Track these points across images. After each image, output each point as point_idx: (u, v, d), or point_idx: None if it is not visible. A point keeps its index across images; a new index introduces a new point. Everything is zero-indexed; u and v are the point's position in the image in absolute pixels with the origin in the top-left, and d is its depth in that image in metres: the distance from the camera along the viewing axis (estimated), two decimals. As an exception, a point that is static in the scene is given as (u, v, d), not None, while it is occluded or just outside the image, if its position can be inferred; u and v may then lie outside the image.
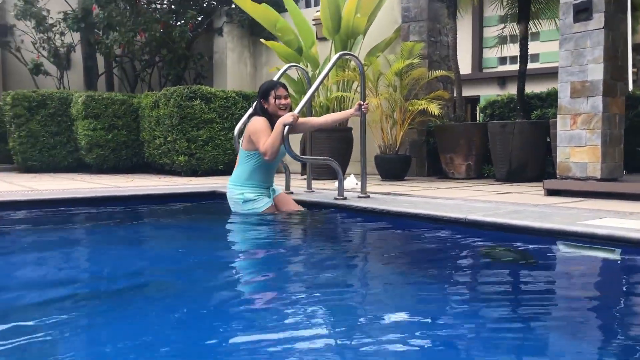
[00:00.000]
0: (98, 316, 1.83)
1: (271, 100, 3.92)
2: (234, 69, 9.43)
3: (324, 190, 5.04)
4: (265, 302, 2.02)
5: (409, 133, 7.52)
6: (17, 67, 10.92)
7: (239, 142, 4.15)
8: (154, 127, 8.32)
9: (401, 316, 1.86)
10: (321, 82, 4.16)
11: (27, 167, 8.87)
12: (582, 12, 4.42)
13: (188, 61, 9.46)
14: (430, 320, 1.79)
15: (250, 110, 4.28)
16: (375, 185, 5.91)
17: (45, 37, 10.06)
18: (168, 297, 2.08)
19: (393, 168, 6.85)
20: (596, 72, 4.40)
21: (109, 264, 2.74)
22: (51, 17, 9.96)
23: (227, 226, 3.88)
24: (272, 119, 3.90)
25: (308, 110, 5.43)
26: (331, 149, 6.87)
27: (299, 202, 4.48)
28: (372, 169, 7.31)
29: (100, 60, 10.40)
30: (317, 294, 2.10)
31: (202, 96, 7.95)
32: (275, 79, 4.79)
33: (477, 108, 7.60)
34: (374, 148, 7.21)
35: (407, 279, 2.43)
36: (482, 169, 6.89)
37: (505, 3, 7.68)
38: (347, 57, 5.07)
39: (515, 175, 6.21)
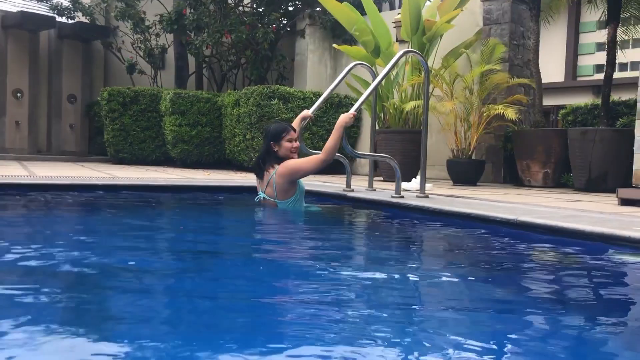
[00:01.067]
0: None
1: (285, 144, 3.79)
2: (314, 70, 9.59)
3: (386, 190, 5.02)
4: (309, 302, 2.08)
5: (486, 138, 7.32)
6: (118, 65, 11.72)
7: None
8: (235, 125, 8.63)
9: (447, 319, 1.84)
10: (384, 76, 4.16)
11: (119, 159, 9.50)
12: (668, 11, 4.12)
13: (271, 62, 9.74)
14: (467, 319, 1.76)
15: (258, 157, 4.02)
16: (444, 189, 5.81)
17: (142, 38, 10.72)
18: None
19: (465, 172, 6.69)
20: (680, 75, 4.09)
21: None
22: (148, 19, 10.61)
23: (248, 220, 3.91)
24: (279, 162, 3.80)
25: (374, 110, 5.44)
26: (403, 151, 6.82)
27: (356, 199, 4.52)
28: (445, 173, 7.19)
29: (191, 60, 10.93)
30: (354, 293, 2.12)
31: (280, 96, 8.17)
32: (341, 76, 4.86)
33: (559, 114, 7.25)
34: (447, 152, 7.09)
35: (444, 278, 2.39)
36: (561, 178, 6.57)
37: (598, 5, 7.30)
38: (413, 55, 5.02)
39: (594, 184, 5.88)
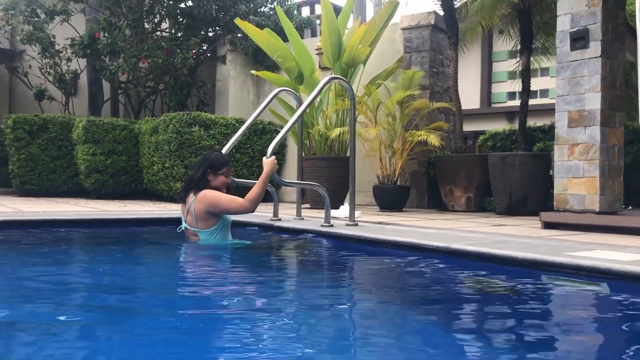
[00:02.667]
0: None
1: (221, 177, 3.70)
2: (236, 96, 9.40)
3: (314, 218, 4.89)
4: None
5: (410, 164, 7.39)
6: (24, 91, 11.01)
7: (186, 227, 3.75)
8: (153, 153, 8.27)
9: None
10: (308, 106, 4.06)
11: (26, 191, 8.83)
12: (579, 40, 4.30)
13: (191, 88, 9.46)
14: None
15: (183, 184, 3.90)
16: (371, 215, 5.75)
17: (51, 63, 10.14)
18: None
19: (391, 198, 6.69)
20: (594, 101, 4.26)
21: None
22: (58, 43, 10.06)
23: (181, 255, 3.68)
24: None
25: (299, 139, 5.33)
26: (330, 177, 6.74)
27: (284, 229, 4.35)
28: (371, 199, 7.16)
29: (106, 86, 10.44)
30: (281, 320, 1.94)
31: (201, 122, 7.90)
32: (265, 102, 4.72)
33: (478, 140, 7.46)
34: (372, 178, 7.08)
35: (376, 308, 2.26)
36: (483, 202, 6.71)
37: (512, 36, 7.61)
38: (338, 81, 4.97)
39: (515, 208, 6.02)
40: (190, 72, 9.08)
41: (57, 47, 10.06)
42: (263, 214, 5.37)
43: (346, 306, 2.30)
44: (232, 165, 8.10)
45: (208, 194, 3.61)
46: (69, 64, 10.33)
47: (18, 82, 11.13)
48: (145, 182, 8.73)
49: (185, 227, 3.73)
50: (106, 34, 9.19)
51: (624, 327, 1.99)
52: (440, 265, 3.04)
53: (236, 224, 4.56)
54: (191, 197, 3.66)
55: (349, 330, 1.93)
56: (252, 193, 3.56)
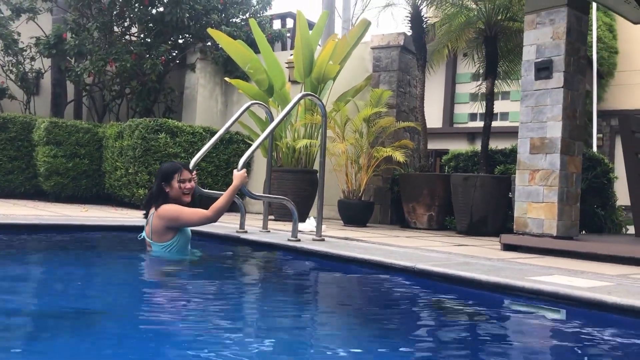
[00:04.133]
0: None
1: (175, 184, 3.60)
2: (204, 105, 9.36)
3: (280, 231, 4.91)
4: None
5: (374, 180, 7.50)
6: (-17, 89, 10.68)
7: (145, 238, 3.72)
8: (117, 158, 8.15)
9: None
10: (280, 120, 4.11)
11: (-19, 191, 8.56)
12: (543, 70, 4.49)
13: (158, 94, 9.37)
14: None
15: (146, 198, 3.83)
16: (336, 230, 5.81)
17: (14, 61, 9.89)
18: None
19: (355, 214, 6.77)
20: (555, 130, 4.44)
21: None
22: (22, 42, 9.83)
23: (146, 267, 3.65)
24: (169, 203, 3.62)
25: (269, 152, 5.36)
26: (296, 190, 6.78)
27: (250, 242, 4.36)
28: (335, 213, 7.24)
29: (70, 88, 10.24)
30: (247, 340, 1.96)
31: (168, 130, 7.84)
32: (236, 115, 4.74)
33: (441, 160, 7.63)
34: (337, 192, 7.15)
35: (342, 326, 2.30)
36: (445, 221, 6.86)
37: (476, 61, 7.84)
38: (311, 98, 5.03)
39: (476, 228, 6.18)
40: (158, 78, 9.00)
41: (20, 45, 9.82)
42: (229, 224, 5.37)
43: (302, 322, 2.34)
44: (197, 174, 8.07)
45: (168, 209, 3.55)
46: (32, 62, 10.09)
47: (-24, 79, 10.80)
48: (107, 186, 8.58)
49: (144, 237, 3.72)
50: (74, 35, 9.03)
51: (579, 353, 2.08)
52: (406, 284, 3.11)
53: (201, 234, 4.56)
54: (152, 210, 3.63)
55: (303, 347, 1.97)
56: (218, 204, 3.56)
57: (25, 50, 9.85)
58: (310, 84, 7.15)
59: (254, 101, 5.08)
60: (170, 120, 8.05)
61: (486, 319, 2.52)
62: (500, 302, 2.73)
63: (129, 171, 7.86)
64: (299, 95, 4.35)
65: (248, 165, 8.83)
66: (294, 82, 7.93)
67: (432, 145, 10.81)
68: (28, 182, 8.83)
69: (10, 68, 9.95)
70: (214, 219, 3.56)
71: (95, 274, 3.35)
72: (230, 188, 3.67)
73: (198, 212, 3.57)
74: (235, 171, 3.78)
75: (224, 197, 3.61)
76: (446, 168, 7.34)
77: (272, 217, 7.13)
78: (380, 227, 6.93)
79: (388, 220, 7.70)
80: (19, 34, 9.75)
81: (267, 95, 7.34)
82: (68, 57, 9.40)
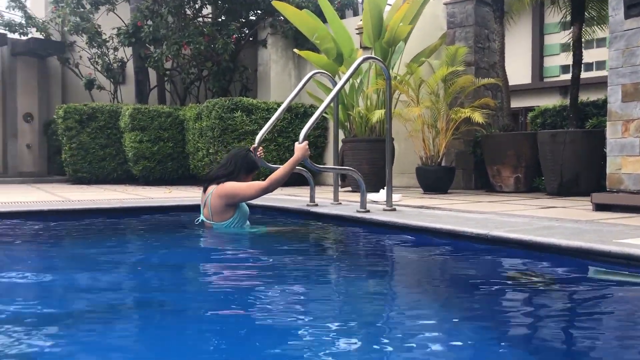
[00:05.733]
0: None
1: (250, 178, 3.79)
2: (277, 80, 9.33)
3: (352, 203, 4.77)
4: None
5: (455, 144, 7.14)
6: (76, 82, 11.30)
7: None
8: (198, 139, 8.33)
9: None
10: (340, 89, 3.94)
11: (78, 179, 9.09)
12: (634, 7, 3.98)
13: (233, 74, 9.45)
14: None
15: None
16: (414, 198, 5.58)
17: (99, 53, 10.34)
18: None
19: (435, 180, 6.48)
20: (650, 73, 3.94)
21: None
22: (104, 33, 10.24)
23: (208, 242, 3.65)
24: None
25: (335, 119, 5.21)
26: (370, 159, 6.59)
27: (319, 214, 4.26)
28: (415, 181, 6.98)
29: (153, 74, 10.58)
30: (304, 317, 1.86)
31: (243, 108, 7.89)
32: (299, 86, 4.62)
33: (527, 117, 7.12)
34: (415, 159, 6.89)
35: (407, 303, 2.14)
36: (533, 182, 6.41)
37: (561, 6, 7.20)
38: (372, 61, 4.80)
39: (567, 188, 5.72)
40: (231, 58, 9.07)
41: (103, 37, 10.24)
42: (302, 197, 5.30)
43: (350, 294, 2.20)
44: (275, 149, 8.10)
45: (225, 188, 3.59)
46: (115, 53, 10.51)
47: (69, 73, 11.43)
48: (192, 167, 8.82)
49: (202, 220, 3.73)
50: (149, 22, 9.27)
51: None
52: (479, 253, 2.88)
53: (273, 209, 4.53)
54: (211, 188, 3.65)
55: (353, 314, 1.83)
56: (275, 175, 3.56)
57: (108, 41, 10.26)
58: (381, 48, 6.88)
59: (317, 71, 4.92)
60: (245, 98, 8.09)
61: (564, 288, 2.26)
62: (584, 270, 2.44)
63: (210, 151, 8.01)
64: (359, 59, 4.13)
65: (324, 137, 8.74)
66: (364, 47, 7.68)
67: (521, 102, 10.20)
68: (120, 168, 9.26)
69: (96, 59, 10.42)
70: (270, 189, 3.55)
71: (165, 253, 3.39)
72: (291, 160, 3.61)
73: (254, 185, 3.58)
74: (296, 144, 3.68)
75: (283, 168, 3.59)
76: (533, 125, 6.84)
77: (349, 188, 7.01)
78: (463, 193, 6.60)
79: (472, 186, 7.33)
80: (100, 26, 10.15)
81: (337, 64, 7.15)
82: (146, 44, 9.67)
